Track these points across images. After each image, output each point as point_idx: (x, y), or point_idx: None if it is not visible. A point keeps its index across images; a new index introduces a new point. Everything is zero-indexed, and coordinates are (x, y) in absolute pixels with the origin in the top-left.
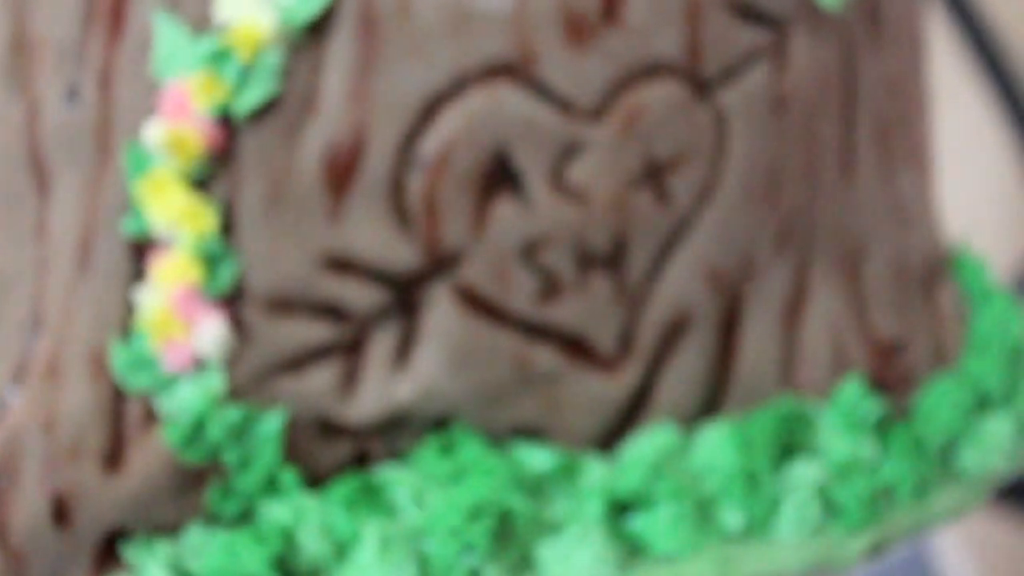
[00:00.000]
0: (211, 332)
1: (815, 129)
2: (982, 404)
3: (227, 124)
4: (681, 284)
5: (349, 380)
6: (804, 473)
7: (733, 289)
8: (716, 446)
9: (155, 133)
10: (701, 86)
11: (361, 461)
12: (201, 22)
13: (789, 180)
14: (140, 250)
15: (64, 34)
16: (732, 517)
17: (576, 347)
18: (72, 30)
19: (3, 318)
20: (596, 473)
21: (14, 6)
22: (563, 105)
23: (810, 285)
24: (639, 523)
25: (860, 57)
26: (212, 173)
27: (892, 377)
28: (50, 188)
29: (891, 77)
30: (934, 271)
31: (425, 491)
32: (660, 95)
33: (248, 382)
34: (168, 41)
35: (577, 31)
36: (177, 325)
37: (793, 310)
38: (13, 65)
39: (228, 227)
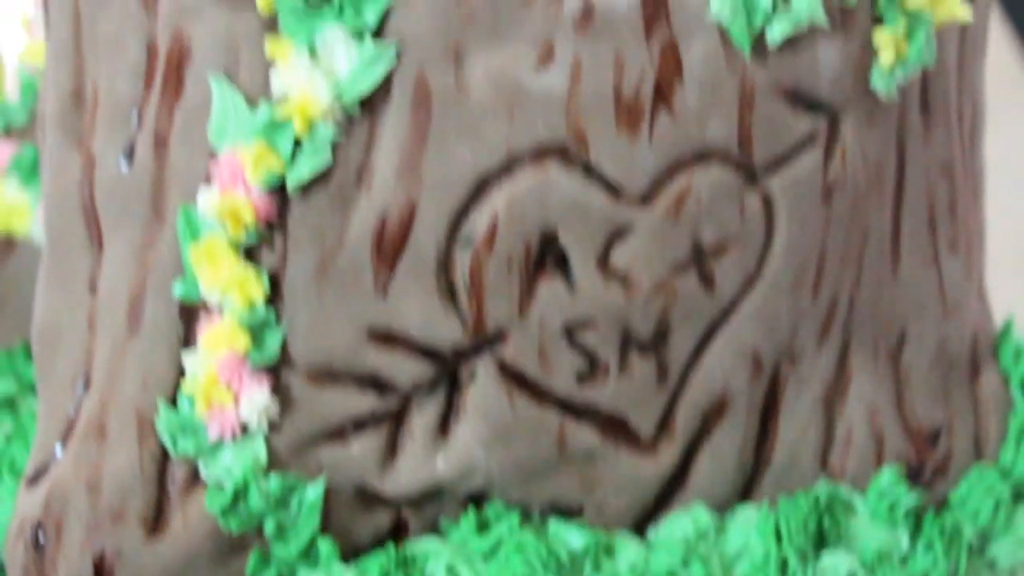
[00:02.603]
0: (256, 401)
1: (862, 216)
2: (1017, 496)
3: (279, 194)
4: (721, 367)
5: (389, 451)
6: (836, 563)
7: (773, 373)
8: (749, 531)
9: (209, 201)
10: (750, 172)
11: (397, 532)
12: (257, 91)
13: (833, 266)
14: (189, 313)
15: (123, 92)
16: None
17: (615, 427)
18: (131, 89)
19: (53, 373)
20: (629, 553)
21: (75, 59)
22: (612, 189)
23: (850, 370)
24: None
25: (910, 143)
26: (262, 241)
27: (929, 466)
28: (102, 244)
29: (941, 162)
30: (976, 358)
31: (460, 566)
32: (709, 181)
33: (290, 450)
34: (225, 109)
35: (629, 117)
36: (223, 392)
37: (832, 395)
38: (71, 117)
39: (276, 296)
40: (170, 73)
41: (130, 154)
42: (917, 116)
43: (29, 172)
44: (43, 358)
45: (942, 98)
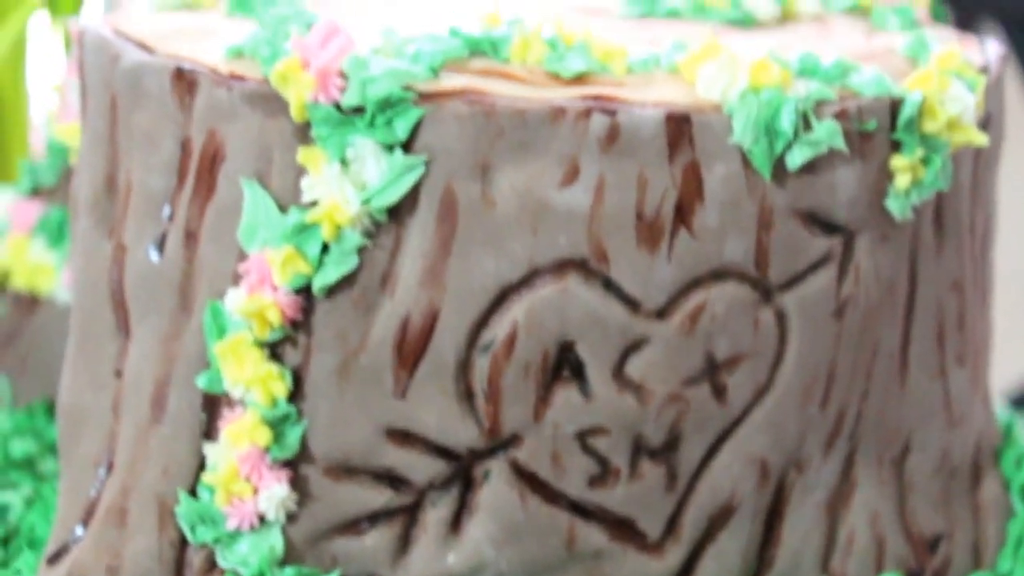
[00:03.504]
0: (274, 494)
1: (873, 330)
2: None
3: (305, 294)
4: (729, 474)
5: (402, 545)
6: None
7: (779, 480)
8: None
9: (236, 301)
10: (766, 290)
11: None
12: (288, 194)
13: (842, 379)
14: (212, 404)
15: (155, 186)
16: None
17: (623, 528)
18: (164, 183)
19: (77, 453)
20: None
21: (109, 148)
22: (630, 302)
23: (854, 477)
24: None
25: (922, 259)
26: (287, 339)
27: (928, 572)
28: (130, 331)
29: (952, 277)
30: (978, 464)
31: None
32: (724, 297)
33: (306, 541)
34: (256, 211)
35: (649, 234)
36: (242, 485)
37: (836, 501)
38: (104, 204)
39: (298, 392)
40: (203, 171)
41: (161, 245)
42: (930, 234)
43: (56, 233)
44: (67, 437)
45: (955, 215)
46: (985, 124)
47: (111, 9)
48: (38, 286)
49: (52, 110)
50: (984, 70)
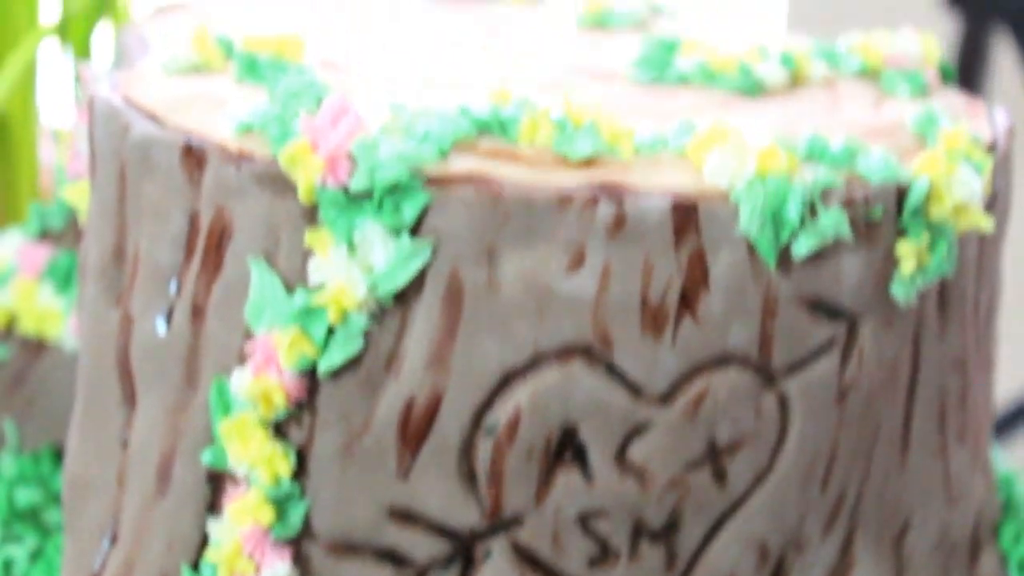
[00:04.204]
0: (277, 572)
1: (874, 413)
2: None
3: (310, 375)
4: (728, 556)
5: None
6: None
7: (778, 561)
8: None
9: (242, 382)
10: (768, 375)
11: None
12: (295, 275)
13: (843, 461)
14: (217, 480)
15: (163, 259)
16: None
17: None
18: (171, 257)
19: (81, 522)
20: None
21: (118, 218)
22: (633, 388)
23: (853, 556)
24: None
25: (926, 341)
26: (291, 418)
27: None
28: (136, 402)
29: (955, 356)
30: (976, 541)
31: None
32: (727, 383)
33: None
34: (262, 291)
35: (654, 321)
36: (245, 563)
37: None
38: (112, 273)
39: (302, 470)
40: (210, 248)
41: (168, 318)
42: (934, 314)
43: (64, 279)
44: (72, 506)
45: (960, 295)
46: (992, 203)
47: (120, 58)
48: (46, 331)
49: (62, 158)
50: (992, 147)
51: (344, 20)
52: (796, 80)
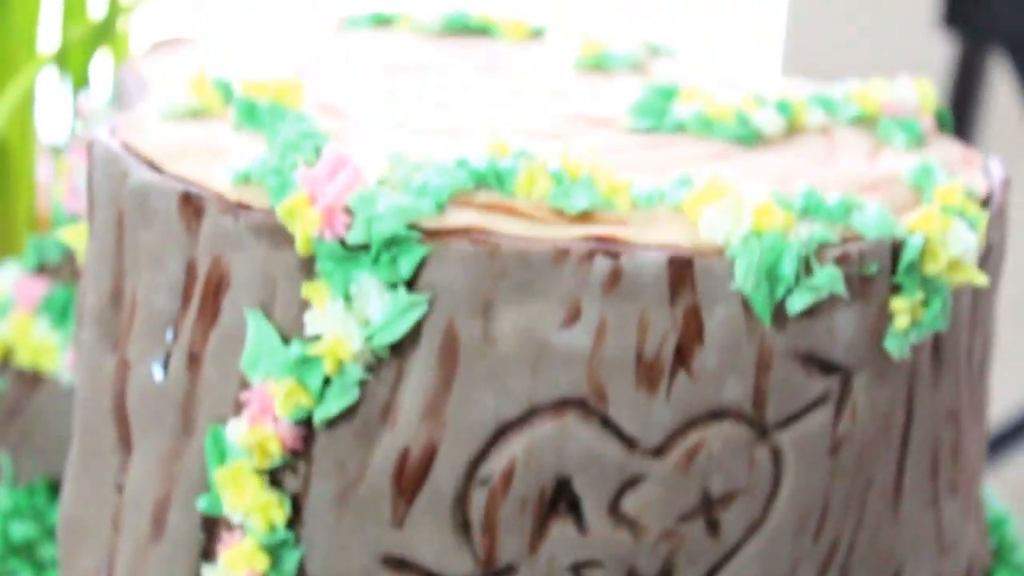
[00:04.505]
0: None
1: (867, 464)
2: None
3: (306, 425)
4: None
5: None
6: None
7: None
8: None
9: (238, 432)
10: (762, 429)
11: None
12: (291, 326)
13: (836, 512)
14: (211, 526)
15: (160, 306)
16: None
17: None
18: (168, 304)
19: (76, 566)
20: None
21: (115, 263)
22: (627, 441)
23: None
24: None
25: (919, 393)
26: (287, 466)
27: None
28: (132, 447)
29: (948, 408)
30: None
31: None
32: (721, 436)
33: None
34: (259, 342)
35: (649, 376)
36: None
37: None
38: (109, 317)
39: (297, 518)
40: (207, 296)
41: (165, 363)
42: (928, 367)
43: (61, 313)
44: (67, 549)
45: (954, 346)
46: (986, 256)
47: (118, 96)
48: (42, 364)
49: (60, 193)
50: (987, 200)
51: (342, 56)
52: (793, 128)
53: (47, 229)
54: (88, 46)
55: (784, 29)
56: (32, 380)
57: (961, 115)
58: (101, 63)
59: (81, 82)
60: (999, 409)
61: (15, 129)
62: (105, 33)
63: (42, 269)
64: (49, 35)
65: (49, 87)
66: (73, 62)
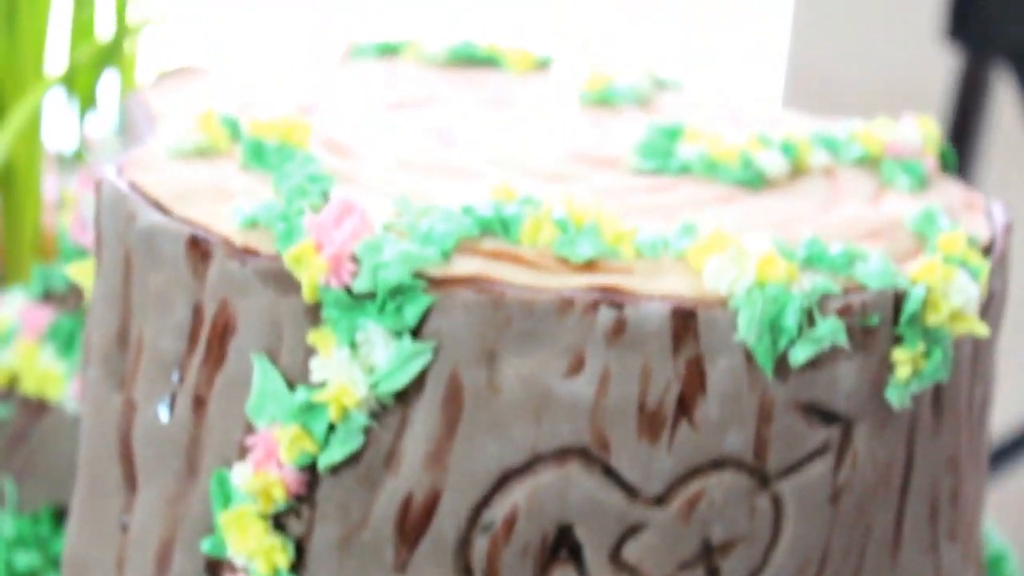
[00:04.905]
0: None
1: (867, 512)
2: None
3: (310, 471)
4: None
5: None
6: None
7: None
8: None
9: (242, 477)
10: (763, 478)
11: None
12: (297, 372)
13: (835, 559)
14: (215, 568)
15: (166, 348)
16: None
17: None
18: (174, 346)
19: None
20: None
21: (122, 304)
22: (629, 490)
23: None
24: None
25: (919, 441)
26: (291, 510)
27: None
28: (137, 487)
29: (948, 455)
30: None
31: None
32: (722, 485)
33: None
34: (265, 388)
35: (651, 425)
36: None
37: None
38: (115, 357)
39: (300, 562)
40: (214, 340)
41: (171, 405)
42: (928, 415)
43: (66, 342)
44: None
45: (954, 395)
46: (987, 305)
47: (125, 129)
48: (47, 392)
49: (66, 222)
50: (989, 248)
51: (348, 88)
52: (797, 169)
53: (53, 247)
54: (95, 67)
55: (788, 40)
56: (37, 408)
57: (964, 128)
58: (108, 84)
59: (88, 103)
60: (998, 420)
61: (22, 150)
62: (113, 54)
63: (48, 297)
64: (57, 56)
65: (56, 108)
66: (80, 83)
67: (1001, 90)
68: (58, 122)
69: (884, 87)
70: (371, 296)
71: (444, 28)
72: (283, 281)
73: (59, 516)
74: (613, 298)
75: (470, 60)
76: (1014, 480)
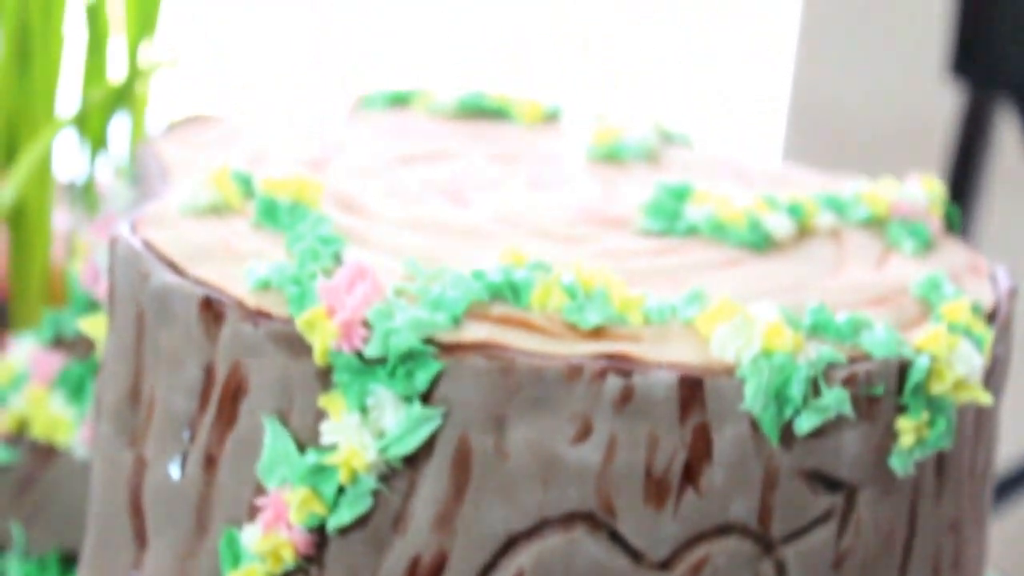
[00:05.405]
0: None
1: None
2: None
3: (319, 532)
4: None
5: None
6: None
7: None
8: None
9: (252, 539)
10: (767, 543)
11: None
12: (307, 434)
13: None
14: None
15: (178, 406)
16: None
17: None
18: (186, 405)
19: None
20: None
21: (135, 361)
22: (634, 554)
23: None
24: None
25: (922, 507)
26: (299, 570)
27: None
28: (146, 543)
29: (950, 519)
30: None
31: None
32: (726, 551)
33: None
34: (275, 450)
35: (657, 492)
36: None
37: None
38: (127, 413)
39: None
40: (225, 401)
41: (182, 463)
42: (931, 480)
43: (76, 388)
44: None
45: (957, 460)
46: (991, 371)
47: (138, 180)
48: (56, 437)
49: (78, 268)
50: (993, 314)
51: (359, 141)
52: (803, 231)
53: (61, 287)
54: (107, 109)
55: (792, 75)
56: (46, 453)
57: (968, 164)
58: (120, 126)
59: (99, 145)
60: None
61: (33, 191)
62: (124, 96)
63: (58, 343)
64: (69, 97)
65: (67, 149)
66: (92, 125)
67: (1005, 126)
68: (69, 163)
69: (888, 122)
70: (382, 361)
71: (445, 29)
72: (295, 344)
73: (66, 561)
74: (621, 366)
75: (480, 111)
76: (1010, 520)
